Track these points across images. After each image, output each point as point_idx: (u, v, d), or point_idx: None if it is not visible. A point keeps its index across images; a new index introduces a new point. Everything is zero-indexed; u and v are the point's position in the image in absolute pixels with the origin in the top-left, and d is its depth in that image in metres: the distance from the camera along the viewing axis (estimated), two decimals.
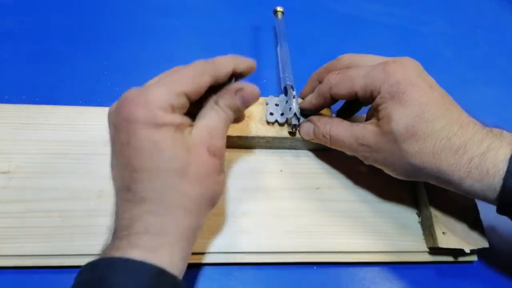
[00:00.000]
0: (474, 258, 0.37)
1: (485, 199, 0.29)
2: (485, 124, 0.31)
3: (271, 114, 0.39)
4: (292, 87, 0.39)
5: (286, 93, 0.40)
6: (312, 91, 0.38)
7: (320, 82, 0.37)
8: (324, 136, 0.36)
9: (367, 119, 0.35)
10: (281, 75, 0.41)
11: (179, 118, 0.27)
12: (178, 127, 0.26)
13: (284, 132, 0.39)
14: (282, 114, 0.39)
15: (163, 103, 0.26)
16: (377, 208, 0.38)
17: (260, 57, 0.51)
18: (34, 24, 0.50)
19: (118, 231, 0.25)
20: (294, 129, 0.39)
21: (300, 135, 0.39)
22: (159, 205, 0.25)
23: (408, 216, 0.38)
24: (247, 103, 0.30)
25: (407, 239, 0.37)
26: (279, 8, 0.48)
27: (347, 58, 0.36)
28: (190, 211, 0.26)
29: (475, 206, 0.37)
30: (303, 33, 0.54)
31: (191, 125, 0.28)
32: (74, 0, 0.53)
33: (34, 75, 0.45)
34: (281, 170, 0.40)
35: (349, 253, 0.36)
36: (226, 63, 0.29)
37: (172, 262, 0.25)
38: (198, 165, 0.27)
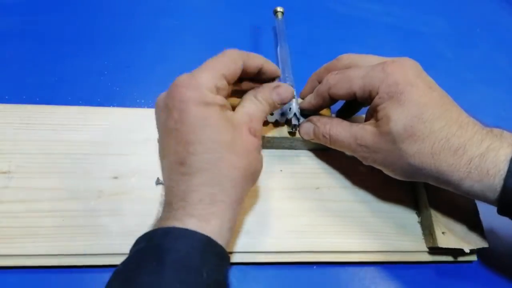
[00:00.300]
0: (473, 258, 0.37)
1: (485, 199, 0.29)
2: (485, 124, 0.31)
3: (271, 114, 0.39)
4: (292, 87, 0.39)
5: None
6: (311, 91, 0.38)
7: (319, 82, 0.37)
8: (323, 136, 0.36)
9: (366, 119, 0.35)
10: (281, 75, 0.41)
11: (223, 100, 0.30)
12: (222, 107, 0.29)
13: (284, 132, 0.39)
14: (282, 114, 0.39)
15: (209, 84, 0.29)
16: (376, 208, 0.38)
17: None
18: (34, 24, 0.50)
19: (173, 203, 0.27)
20: (294, 129, 0.39)
21: (300, 135, 0.39)
22: (211, 176, 0.27)
23: (408, 216, 0.38)
24: (282, 99, 0.34)
25: (407, 239, 0.37)
26: (279, 9, 0.48)
27: (346, 58, 0.37)
28: (237, 183, 0.29)
29: (475, 206, 0.37)
30: (303, 33, 0.54)
31: (231, 110, 0.31)
32: (74, 0, 0.53)
33: (34, 75, 0.45)
34: (281, 170, 0.40)
35: (349, 253, 0.36)
36: (258, 57, 0.33)
37: (221, 232, 0.27)
38: (242, 141, 0.30)
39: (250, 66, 0.32)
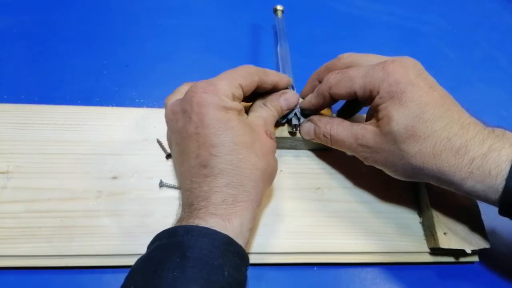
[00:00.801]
0: (475, 258, 0.37)
1: (487, 200, 0.29)
2: (486, 123, 0.31)
3: None
4: (292, 87, 0.39)
5: None
6: (312, 91, 0.38)
7: (320, 82, 0.37)
8: (324, 136, 0.36)
9: (367, 119, 0.35)
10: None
11: (240, 105, 0.31)
12: (240, 111, 0.31)
13: (284, 132, 0.39)
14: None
15: (227, 91, 0.30)
16: (377, 208, 0.38)
17: (260, 56, 0.51)
18: (34, 24, 0.50)
19: (195, 203, 0.28)
20: (294, 129, 0.38)
21: (300, 134, 0.38)
22: (234, 177, 0.28)
23: (409, 216, 0.38)
24: (288, 105, 0.36)
25: (408, 239, 0.37)
26: (279, 7, 0.47)
27: (347, 57, 0.36)
28: (257, 184, 0.30)
29: (477, 206, 0.37)
30: (303, 32, 0.54)
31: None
32: (73, 0, 0.53)
33: (33, 75, 0.45)
34: (281, 170, 0.39)
35: (350, 254, 0.36)
36: (274, 74, 0.35)
37: (242, 231, 0.28)
38: (261, 142, 0.31)
39: (266, 82, 0.34)
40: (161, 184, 0.37)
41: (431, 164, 0.29)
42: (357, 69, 0.33)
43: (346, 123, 0.35)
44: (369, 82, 0.32)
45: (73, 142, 0.39)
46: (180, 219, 0.29)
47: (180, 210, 0.31)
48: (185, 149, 0.30)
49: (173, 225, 0.29)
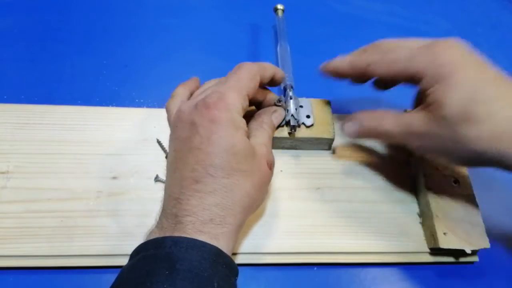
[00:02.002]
0: (475, 258, 0.37)
1: None
2: None
3: None
4: (291, 87, 0.39)
5: (285, 94, 0.39)
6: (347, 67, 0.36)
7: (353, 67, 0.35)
8: (371, 131, 0.34)
9: (415, 105, 0.33)
10: None
11: (245, 124, 0.31)
12: (246, 132, 0.31)
13: (284, 132, 0.39)
14: None
15: (238, 106, 0.30)
16: (377, 208, 0.38)
17: (260, 56, 0.51)
18: (34, 24, 0.50)
19: (180, 216, 0.27)
20: (293, 130, 0.38)
21: (345, 134, 0.37)
22: (225, 200, 0.28)
23: (409, 216, 0.38)
24: (278, 121, 0.37)
25: (408, 239, 0.36)
26: (279, 6, 0.47)
27: (386, 44, 0.34)
28: (245, 210, 0.29)
29: (477, 206, 0.37)
30: (303, 32, 0.54)
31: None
32: (73, 0, 0.53)
33: (33, 75, 0.45)
34: (281, 170, 0.39)
35: (350, 254, 0.36)
36: (270, 67, 0.35)
37: (228, 250, 0.28)
38: (260, 173, 0.31)
39: (265, 77, 0.34)
40: (156, 179, 0.37)
41: (491, 148, 0.27)
42: (401, 50, 0.32)
43: (392, 114, 0.33)
44: (414, 66, 0.30)
45: (73, 142, 0.39)
46: (162, 228, 0.28)
47: (160, 212, 0.30)
48: (182, 158, 0.29)
49: (151, 231, 0.28)
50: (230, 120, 0.29)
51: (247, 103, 0.31)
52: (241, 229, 0.30)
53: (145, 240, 0.28)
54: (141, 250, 0.27)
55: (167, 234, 0.27)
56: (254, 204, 0.31)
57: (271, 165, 0.32)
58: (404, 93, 0.49)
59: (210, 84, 0.34)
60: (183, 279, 0.24)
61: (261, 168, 0.31)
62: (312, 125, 0.39)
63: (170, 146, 0.31)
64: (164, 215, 0.29)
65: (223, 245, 0.27)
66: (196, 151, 0.28)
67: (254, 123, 0.35)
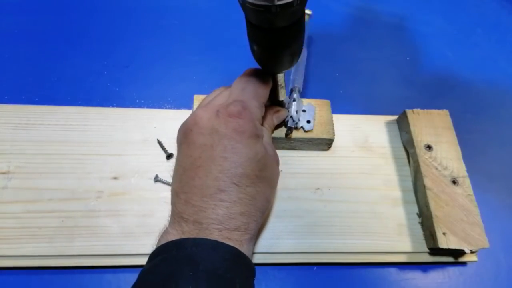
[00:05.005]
0: (474, 258, 0.37)
1: None
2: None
3: None
4: (299, 90, 0.39)
5: (291, 95, 0.39)
6: None
7: None
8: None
9: None
10: (292, 77, 0.41)
11: (262, 131, 0.31)
12: (263, 138, 0.31)
13: (284, 133, 0.39)
14: None
15: (258, 116, 0.31)
16: (377, 208, 0.38)
17: None
18: (34, 24, 0.50)
19: (205, 224, 0.27)
20: (289, 131, 0.38)
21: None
22: (249, 207, 0.28)
23: (409, 216, 0.38)
24: (279, 121, 0.37)
25: (408, 239, 0.37)
26: (307, 11, 0.45)
27: None
28: (263, 214, 0.30)
29: (476, 206, 0.37)
30: None
31: None
32: (73, 0, 0.53)
33: (33, 76, 0.45)
34: (281, 170, 0.39)
35: (349, 254, 0.36)
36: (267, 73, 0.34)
37: (249, 254, 0.28)
38: (276, 176, 0.32)
39: (270, 81, 0.34)
40: (156, 179, 0.37)
41: None
42: None
43: None
44: None
45: (73, 143, 0.39)
46: (184, 232, 0.27)
47: (172, 215, 0.29)
48: (203, 166, 0.28)
49: (167, 232, 0.28)
50: (253, 130, 0.29)
51: (263, 109, 0.32)
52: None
53: (159, 242, 0.28)
54: (161, 252, 0.26)
55: (189, 236, 0.27)
56: (270, 206, 0.32)
57: (279, 165, 0.33)
58: (405, 93, 0.49)
59: (220, 91, 0.33)
60: (207, 280, 0.24)
61: (276, 171, 0.32)
62: (311, 130, 0.39)
63: (183, 149, 0.30)
64: (183, 220, 0.28)
65: (245, 249, 0.28)
66: (219, 159, 0.28)
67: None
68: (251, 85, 0.31)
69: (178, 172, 0.30)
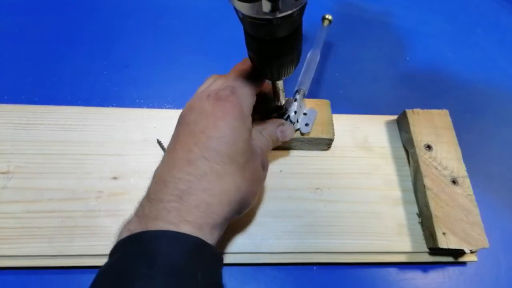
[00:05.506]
0: (474, 258, 0.37)
1: None
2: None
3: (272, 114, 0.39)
4: (304, 94, 0.39)
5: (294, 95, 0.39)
6: None
7: None
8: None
9: None
10: (300, 79, 0.40)
11: (250, 121, 0.31)
12: (250, 129, 0.31)
13: None
14: (280, 115, 0.39)
15: (248, 102, 0.30)
16: (377, 208, 0.38)
17: None
18: (34, 24, 0.50)
19: (166, 201, 0.26)
20: None
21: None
22: (213, 185, 0.27)
23: (408, 216, 0.38)
24: (284, 137, 0.36)
25: (407, 239, 0.37)
26: (327, 16, 0.46)
27: None
28: (232, 203, 0.28)
29: (475, 206, 0.37)
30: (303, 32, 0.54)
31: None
32: (73, 0, 0.53)
33: (33, 76, 0.45)
34: (281, 170, 0.39)
35: (349, 254, 0.36)
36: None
37: (212, 243, 0.27)
38: (253, 171, 0.30)
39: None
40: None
41: None
42: None
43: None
44: None
45: (73, 143, 0.39)
46: (144, 216, 0.27)
47: (144, 198, 0.29)
48: (182, 140, 0.29)
49: (130, 221, 0.27)
50: (240, 114, 0.29)
51: (255, 99, 0.32)
52: (227, 225, 0.29)
53: (122, 229, 0.27)
54: (118, 248, 0.26)
55: (149, 224, 0.26)
56: (243, 201, 0.30)
57: (264, 166, 0.32)
58: (405, 93, 0.49)
59: (214, 79, 0.33)
60: (163, 275, 0.23)
61: (254, 166, 0.31)
62: (308, 133, 0.39)
63: (174, 132, 0.31)
64: (148, 200, 0.28)
65: (207, 237, 0.26)
66: (198, 133, 0.28)
67: (255, 127, 0.35)
68: (245, 73, 0.32)
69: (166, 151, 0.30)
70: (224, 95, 0.29)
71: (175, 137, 0.30)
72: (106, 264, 0.25)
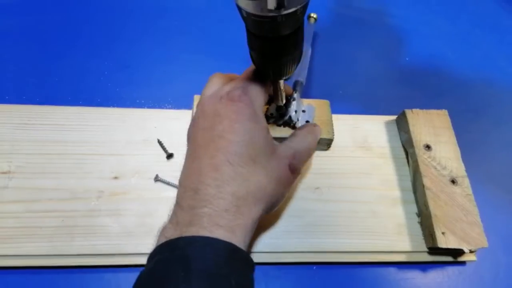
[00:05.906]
0: (473, 258, 0.37)
1: None
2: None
3: (271, 115, 0.39)
4: (301, 84, 0.38)
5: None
6: None
7: None
8: None
9: None
10: (295, 71, 0.41)
11: (264, 119, 0.31)
12: (266, 127, 0.31)
13: (283, 132, 0.39)
14: (280, 115, 0.39)
15: (260, 101, 0.31)
16: (376, 208, 0.38)
17: None
18: (34, 24, 0.50)
19: (197, 207, 0.27)
20: (283, 126, 0.38)
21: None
22: (240, 188, 0.28)
23: (408, 216, 0.38)
24: (315, 133, 0.35)
25: (407, 239, 0.37)
26: (312, 15, 0.48)
27: None
28: (259, 203, 0.29)
29: (475, 206, 0.37)
30: None
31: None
32: (74, 0, 0.53)
33: (34, 76, 0.45)
34: None
35: (349, 253, 0.36)
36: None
37: (244, 245, 0.27)
38: (279, 172, 0.30)
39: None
40: (157, 179, 0.37)
41: None
42: None
43: None
44: None
45: (74, 143, 0.39)
46: (178, 223, 0.27)
47: (173, 206, 0.29)
48: (203, 146, 0.29)
49: (165, 227, 0.28)
50: (253, 113, 0.30)
51: (267, 97, 0.32)
52: (256, 225, 0.30)
53: (159, 236, 0.28)
54: (156, 253, 0.27)
55: (183, 229, 0.26)
56: (270, 201, 0.31)
57: (294, 169, 0.32)
58: (404, 93, 0.49)
59: (218, 78, 0.34)
60: (199, 279, 0.24)
61: (280, 167, 0.31)
62: None
63: (190, 138, 0.31)
64: (180, 208, 0.28)
65: (239, 239, 0.27)
66: (217, 139, 0.29)
67: (299, 130, 0.35)
68: (254, 73, 0.32)
69: (184, 163, 0.31)
70: (237, 95, 0.30)
71: (195, 143, 0.30)
72: (145, 269, 0.26)
